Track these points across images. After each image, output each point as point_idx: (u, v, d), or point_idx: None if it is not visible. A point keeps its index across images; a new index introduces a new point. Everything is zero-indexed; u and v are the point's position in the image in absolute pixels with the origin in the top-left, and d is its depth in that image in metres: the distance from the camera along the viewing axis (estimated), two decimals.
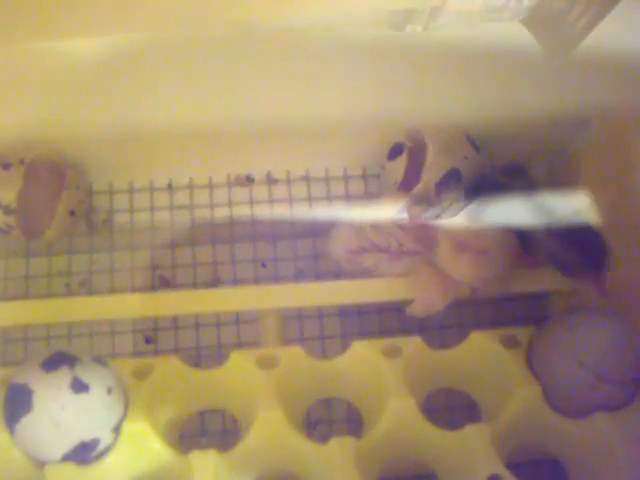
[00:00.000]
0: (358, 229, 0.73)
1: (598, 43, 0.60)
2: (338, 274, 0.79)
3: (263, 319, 0.73)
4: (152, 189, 0.85)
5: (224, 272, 0.83)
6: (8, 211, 0.74)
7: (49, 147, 0.77)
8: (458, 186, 0.76)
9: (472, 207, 0.72)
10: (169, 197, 0.85)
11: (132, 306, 0.71)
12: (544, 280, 0.73)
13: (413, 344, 0.68)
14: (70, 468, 0.60)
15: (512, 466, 0.62)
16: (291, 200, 0.85)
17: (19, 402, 0.60)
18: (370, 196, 0.85)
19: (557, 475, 0.70)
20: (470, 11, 0.60)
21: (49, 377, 0.60)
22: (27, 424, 0.59)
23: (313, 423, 0.76)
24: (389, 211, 0.74)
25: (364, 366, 0.68)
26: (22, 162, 0.75)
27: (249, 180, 0.86)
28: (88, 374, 0.61)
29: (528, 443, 0.68)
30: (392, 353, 0.67)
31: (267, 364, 0.66)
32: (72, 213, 0.77)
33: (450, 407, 0.76)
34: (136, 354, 0.79)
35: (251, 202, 0.85)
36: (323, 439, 0.63)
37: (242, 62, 0.66)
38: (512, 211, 0.71)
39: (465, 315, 0.81)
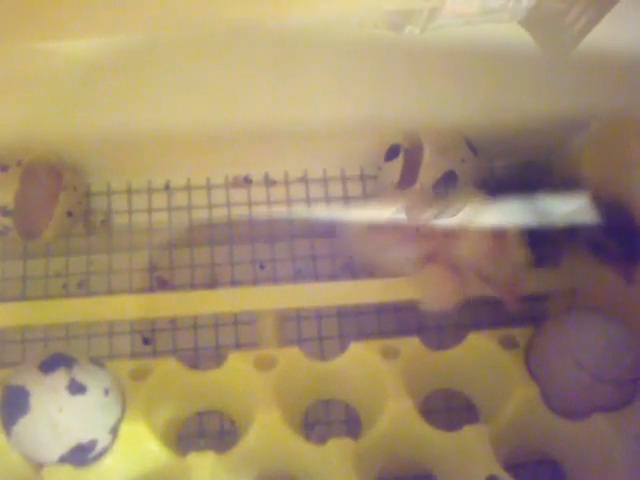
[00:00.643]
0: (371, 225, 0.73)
1: (597, 44, 0.60)
2: (335, 275, 0.80)
3: (261, 320, 0.73)
4: (150, 190, 0.85)
5: (222, 273, 0.83)
6: (5, 212, 0.74)
7: (46, 148, 0.77)
8: (455, 188, 0.76)
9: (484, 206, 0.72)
10: (167, 198, 0.85)
11: (130, 307, 0.71)
12: (543, 281, 0.73)
13: (411, 345, 0.68)
14: (67, 470, 0.60)
15: (510, 467, 0.62)
16: (289, 201, 0.85)
17: (16, 404, 0.59)
18: (368, 197, 0.85)
19: (555, 476, 0.70)
20: (468, 12, 0.60)
21: (46, 379, 0.60)
22: (24, 426, 0.59)
23: (311, 424, 0.76)
24: (385, 212, 0.74)
25: (362, 367, 0.68)
26: (19, 163, 0.74)
27: (247, 181, 0.86)
28: (85, 375, 0.61)
29: (526, 444, 0.68)
30: (390, 354, 0.67)
31: (265, 365, 0.66)
32: (70, 214, 0.77)
33: (448, 408, 0.76)
34: (134, 355, 0.79)
35: (249, 203, 0.85)
36: (321, 440, 0.63)
37: (240, 63, 0.66)
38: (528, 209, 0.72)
39: (463, 316, 0.81)
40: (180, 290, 0.81)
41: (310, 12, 0.58)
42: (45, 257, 0.82)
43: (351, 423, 0.75)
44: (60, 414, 0.59)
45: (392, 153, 0.79)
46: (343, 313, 0.81)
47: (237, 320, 0.80)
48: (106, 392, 0.62)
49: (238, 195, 0.85)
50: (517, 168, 0.86)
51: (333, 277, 0.82)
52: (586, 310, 0.69)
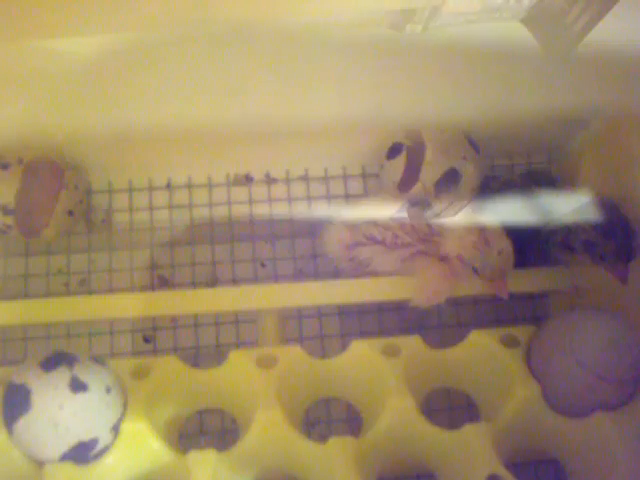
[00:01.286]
0: (352, 225, 0.73)
1: (598, 42, 0.60)
2: (336, 273, 0.80)
3: (262, 318, 0.73)
4: (151, 188, 0.85)
5: (223, 271, 0.83)
6: (7, 211, 0.74)
7: (48, 147, 0.77)
8: (457, 186, 0.76)
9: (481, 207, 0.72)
10: (168, 196, 0.85)
11: (131, 305, 0.71)
12: (543, 279, 0.73)
13: (412, 343, 0.68)
14: (69, 467, 0.60)
15: (511, 466, 0.62)
16: (290, 199, 0.85)
17: (17, 402, 0.60)
18: (369, 195, 0.85)
19: (556, 475, 0.70)
20: (470, 11, 0.60)
21: (48, 377, 0.60)
22: (25, 424, 0.59)
23: (312, 422, 0.76)
24: (387, 210, 0.74)
25: (363, 365, 0.68)
26: (21, 162, 0.75)
27: (248, 179, 0.86)
28: (87, 374, 0.61)
29: (527, 443, 0.68)
30: (391, 352, 0.67)
31: (266, 364, 0.66)
32: (71, 212, 0.77)
33: (449, 406, 0.76)
34: (135, 354, 0.79)
35: (250, 201, 0.85)
36: (322, 438, 0.63)
37: (241, 62, 0.66)
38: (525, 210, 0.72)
39: (464, 314, 0.81)
40: (181, 288, 0.81)
41: (312, 11, 0.58)
42: (46, 255, 0.82)
43: (352, 421, 0.75)
44: (61, 412, 0.59)
45: (394, 151, 0.79)
46: (344, 311, 0.81)
47: (238, 318, 0.80)
48: (107, 390, 0.62)
49: (239, 193, 0.85)
50: (518, 168, 0.86)
51: (333, 275, 0.82)
52: (587, 309, 0.70)
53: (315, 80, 0.70)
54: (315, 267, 0.83)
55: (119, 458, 0.63)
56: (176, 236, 0.84)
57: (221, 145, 0.80)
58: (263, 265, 0.84)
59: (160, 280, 0.82)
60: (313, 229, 0.82)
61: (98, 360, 0.64)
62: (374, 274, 0.72)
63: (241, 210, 0.84)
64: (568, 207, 0.72)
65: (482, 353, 0.69)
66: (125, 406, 0.64)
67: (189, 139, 0.77)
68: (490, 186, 0.78)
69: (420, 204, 0.74)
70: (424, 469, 0.68)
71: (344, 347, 0.69)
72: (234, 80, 0.68)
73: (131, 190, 0.84)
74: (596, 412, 0.63)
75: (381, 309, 0.81)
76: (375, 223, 0.73)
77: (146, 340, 0.80)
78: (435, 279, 0.70)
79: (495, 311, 0.80)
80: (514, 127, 0.79)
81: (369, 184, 0.86)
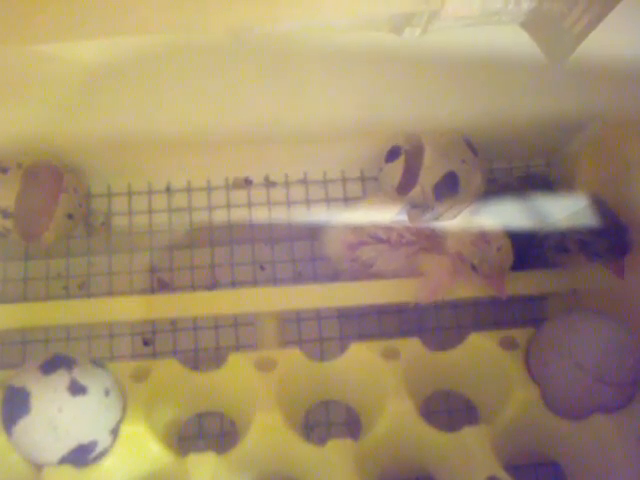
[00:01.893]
0: (354, 226, 0.74)
1: (596, 46, 0.60)
2: (335, 276, 0.80)
3: (261, 321, 0.73)
4: (150, 192, 0.85)
5: (222, 274, 0.83)
6: (6, 214, 0.74)
7: (47, 150, 0.77)
8: (456, 189, 0.76)
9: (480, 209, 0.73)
10: (167, 200, 0.85)
11: (130, 309, 0.71)
12: (542, 282, 0.73)
13: (411, 346, 0.68)
14: (68, 470, 0.60)
15: (510, 468, 0.62)
16: (289, 203, 0.85)
17: (16, 404, 0.60)
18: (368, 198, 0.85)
19: (555, 477, 0.70)
20: (468, 14, 0.60)
21: (47, 379, 0.60)
22: (24, 426, 0.59)
23: (311, 425, 0.76)
24: (387, 213, 0.74)
25: (363, 368, 0.68)
26: (20, 166, 0.75)
27: (247, 183, 0.86)
28: (86, 376, 0.61)
29: (526, 445, 0.68)
30: (390, 355, 0.67)
31: (265, 366, 0.66)
32: (70, 216, 0.77)
33: (448, 409, 0.76)
34: (134, 356, 0.79)
35: (249, 205, 0.85)
36: (321, 441, 0.63)
37: (240, 66, 0.66)
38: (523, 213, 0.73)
39: (463, 317, 0.81)
40: (180, 291, 0.81)
41: (311, 15, 0.58)
42: (46, 259, 0.82)
43: (351, 424, 0.75)
44: (61, 415, 0.59)
45: (393, 155, 0.79)
46: (343, 314, 0.81)
47: (237, 321, 0.80)
48: (107, 393, 0.62)
49: (238, 197, 0.85)
50: (516, 171, 0.86)
51: (333, 278, 0.82)
52: (586, 311, 0.70)
53: (313, 84, 0.70)
54: (314, 270, 0.83)
55: (118, 461, 0.63)
56: (175, 239, 0.84)
57: (220, 148, 0.80)
58: (262, 268, 0.84)
59: (159, 283, 0.82)
60: (312, 232, 0.82)
61: (97, 363, 0.64)
62: (377, 274, 0.73)
63: (240, 213, 0.85)
64: (564, 210, 0.73)
65: (481, 356, 0.69)
66: (124, 409, 0.64)
67: (188, 143, 0.77)
68: (488, 189, 0.78)
69: (419, 207, 0.75)
70: (423, 472, 0.68)
71: (343, 350, 0.69)
72: (233, 84, 0.68)
73: (130, 193, 0.84)
74: (595, 414, 0.63)
75: (380, 312, 0.81)
76: (378, 224, 0.73)
77: (145, 343, 0.80)
78: (438, 274, 0.70)
79: (494, 314, 0.80)
80: (512, 130, 0.79)
81: (368, 187, 0.86)
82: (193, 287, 0.82)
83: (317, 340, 0.80)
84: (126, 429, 0.63)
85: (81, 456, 0.61)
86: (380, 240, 0.72)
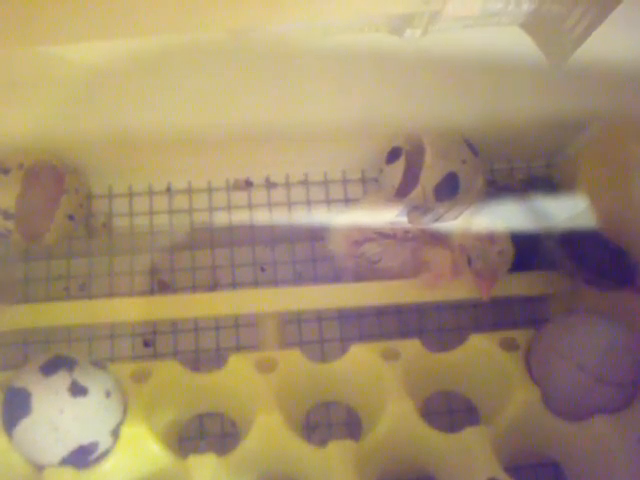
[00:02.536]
0: (358, 224, 0.74)
1: (596, 47, 0.60)
2: (336, 277, 0.80)
3: (262, 322, 0.73)
4: (151, 193, 0.85)
5: (223, 276, 0.83)
6: (7, 215, 0.74)
7: (48, 151, 0.77)
8: (456, 190, 0.76)
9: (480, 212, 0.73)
10: (168, 201, 0.85)
11: (131, 310, 0.71)
12: (543, 283, 0.73)
13: (412, 347, 0.68)
14: (69, 472, 0.60)
15: (511, 469, 0.62)
16: (290, 204, 0.85)
17: (17, 405, 0.60)
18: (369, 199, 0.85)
19: (556, 478, 0.70)
20: (469, 16, 0.60)
21: (48, 381, 0.60)
22: (25, 428, 0.59)
23: (312, 426, 0.76)
24: (387, 214, 0.74)
25: (363, 369, 0.68)
26: (21, 166, 0.75)
27: (248, 184, 0.86)
28: (87, 377, 0.61)
29: (527, 446, 0.68)
30: (391, 356, 0.67)
31: (266, 367, 0.66)
32: (71, 217, 0.77)
33: (449, 410, 0.76)
34: (135, 358, 0.79)
35: (250, 206, 0.85)
36: (322, 442, 0.63)
37: (240, 67, 0.66)
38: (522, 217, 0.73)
39: (464, 318, 0.81)
40: (181, 293, 0.81)
41: (311, 16, 0.58)
42: (46, 260, 0.82)
43: (352, 425, 0.75)
44: (61, 416, 0.59)
45: (393, 156, 0.79)
46: (344, 315, 0.81)
47: (238, 322, 0.80)
48: (107, 394, 0.62)
49: (239, 198, 0.85)
50: (517, 172, 0.86)
51: (334, 279, 0.82)
52: (587, 312, 0.70)
53: (314, 85, 0.70)
54: (315, 271, 0.83)
55: (119, 462, 0.63)
56: (176, 240, 0.84)
57: (221, 150, 0.80)
58: (263, 269, 0.84)
59: (160, 284, 0.83)
60: (313, 233, 0.82)
61: (98, 364, 0.64)
62: (381, 270, 0.73)
63: (241, 215, 0.85)
64: (565, 212, 0.73)
65: (482, 357, 0.69)
66: (125, 410, 0.64)
67: (189, 144, 0.77)
68: (488, 190, 0.78)
69: (420, 209, 0.75)
70: (424, 472, 0.68)
71: (344, 351, 0.69)
72: (234, 85, 0.68)
73: (131, 195, 0.84)
74: (596, 415, 0.63)
75: (380, 313, 0.81)
76: (378, 224, 0.73)
77: (146, 344, 0.80)
78: (441, 263, 0.70)
79: (494, 314, 0.80)
80: (513, 131, 0.79)
81: (369, 188, 0.86)
82: (194, 288, 0.82)
83: (318, 341, 0.80)
84: (127, 430, 0.63)
85: (82, 457, 0.61)
86: (386, 236, 0.73)
